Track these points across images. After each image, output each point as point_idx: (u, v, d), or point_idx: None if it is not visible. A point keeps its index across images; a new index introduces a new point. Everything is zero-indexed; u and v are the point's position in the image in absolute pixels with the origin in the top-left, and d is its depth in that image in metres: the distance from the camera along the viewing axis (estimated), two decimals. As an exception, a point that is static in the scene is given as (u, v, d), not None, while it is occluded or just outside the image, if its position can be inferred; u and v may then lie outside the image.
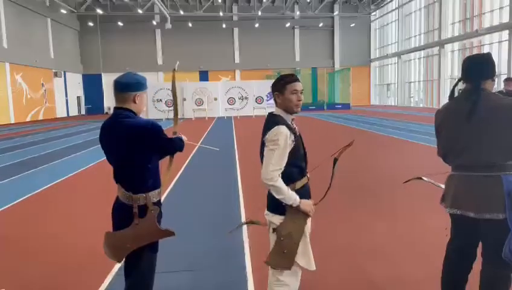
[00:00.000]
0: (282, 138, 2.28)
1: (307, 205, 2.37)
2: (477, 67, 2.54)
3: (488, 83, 2.52)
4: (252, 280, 3.53)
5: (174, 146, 2.60)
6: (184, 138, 2.72)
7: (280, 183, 2.30)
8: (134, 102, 2.46)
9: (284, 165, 2.32)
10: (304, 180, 2.45)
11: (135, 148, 2.38)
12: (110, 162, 2.51)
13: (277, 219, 2.38)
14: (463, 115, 2.49)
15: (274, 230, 2.37)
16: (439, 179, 2.93)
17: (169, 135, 2.67)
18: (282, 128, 2.30)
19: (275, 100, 2.46)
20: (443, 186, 2.70)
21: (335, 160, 2.64)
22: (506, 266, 2.40)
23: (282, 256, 2.32)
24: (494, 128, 2.41)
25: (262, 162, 2.39)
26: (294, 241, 2.33)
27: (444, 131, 2.65)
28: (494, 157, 2.42)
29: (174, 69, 2.95)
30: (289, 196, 2.31)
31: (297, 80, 2.43)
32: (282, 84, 2.41)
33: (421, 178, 3.06)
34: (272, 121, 2.38)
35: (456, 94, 2.69)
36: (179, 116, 3.02)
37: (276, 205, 2.37)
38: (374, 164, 9.12)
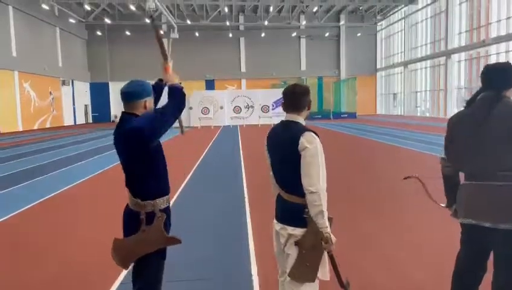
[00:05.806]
0: (319, 145, 2.28)
1: (333, 239, 2.29)
2: (501, 76, 2.48)
3: (511, 91, 2.47)
4: (258, 287, 3.51)
5: (172, 110, 2.42)
6: (177, 81, 2.55)
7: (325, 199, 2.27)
8: (145, 108, 2.45)
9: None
10: None
11: (131, 153, 2.38)
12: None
13: (299, 232, 2.32)
14: (477, 121, 2.43)
15: (296, 243, 2.32)
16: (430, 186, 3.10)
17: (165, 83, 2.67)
18: (315, 135, 2.30)
19: (304, 106, 2.44)
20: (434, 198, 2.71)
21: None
22: None
23: (305, 269, 2.29)
24: (506, 134, 2.34)
25: (283, 170, 2.40)
26: (318, 254, 2.30)
27: (456, 137, 2.58)
28: (507, 165, 2.36)
29: (153, 20, 2.71)
30: (326, 218, 2.27)
31: None
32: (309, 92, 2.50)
33: (418, 178, 3.11)
34: (297, 128, 2.35)
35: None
36: (184, 125, 2.98)
37: (297, 219, 2.32)
38: (379, 174, 9.07)
